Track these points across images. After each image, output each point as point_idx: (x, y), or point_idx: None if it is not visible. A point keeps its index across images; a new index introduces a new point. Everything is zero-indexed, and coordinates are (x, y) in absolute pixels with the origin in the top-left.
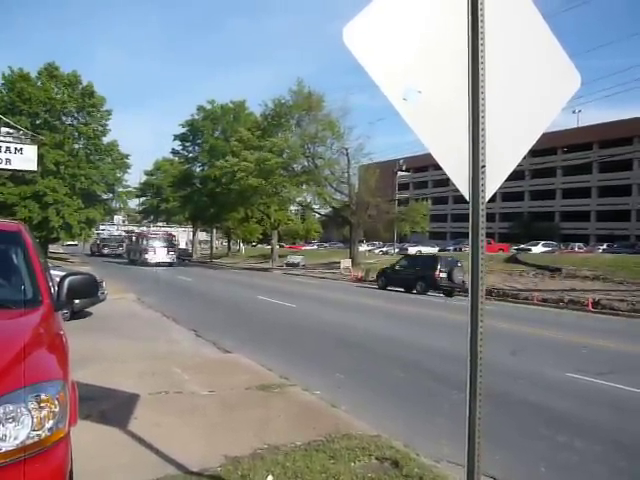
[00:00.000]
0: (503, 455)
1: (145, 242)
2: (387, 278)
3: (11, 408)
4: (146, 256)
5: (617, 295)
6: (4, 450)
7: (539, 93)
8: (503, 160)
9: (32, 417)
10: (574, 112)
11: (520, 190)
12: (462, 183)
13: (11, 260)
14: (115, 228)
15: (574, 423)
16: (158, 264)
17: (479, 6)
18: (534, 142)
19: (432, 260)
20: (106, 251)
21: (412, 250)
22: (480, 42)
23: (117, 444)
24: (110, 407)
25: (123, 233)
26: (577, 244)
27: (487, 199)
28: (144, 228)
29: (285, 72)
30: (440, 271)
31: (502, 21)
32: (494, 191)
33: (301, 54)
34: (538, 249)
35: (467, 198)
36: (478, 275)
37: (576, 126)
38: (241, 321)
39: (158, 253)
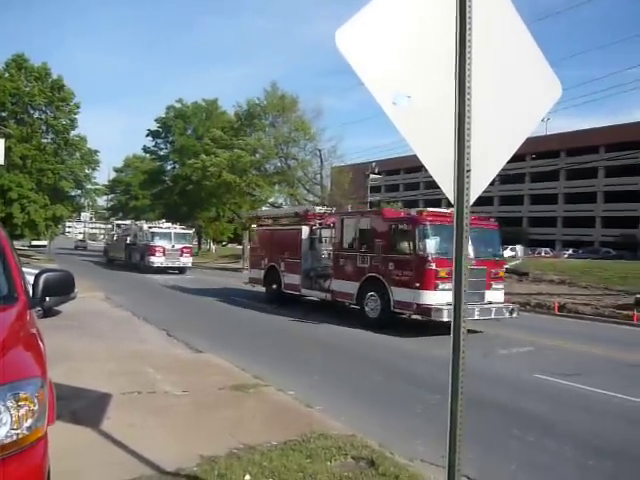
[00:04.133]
0: (475, 454)
1: (149, 239)
2: None
3: None
4: (151, 259)
5: (582, 299)
6: None
7: (523, 101)
8: (488, 165)
9: (11, 415)
10: (543, 120)
11: (490, 195)
12: (448, 187)
13: None
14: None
15: (544, 423)
16: (167, 269)
17: (467, 15)
18: (517, 147)
19: None
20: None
21: None
22: (467, 50)
23: (90, 444)
24: (82, 407)
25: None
26: (544, 249)
27: (471, 203)
28: (139, 222)
29: (258, 73)
30: None
31: (489, 30)
32: (478, 194)
33: (274, 55)
34: (506, 253)
35: (452, 201)
36: (462, 278)
37: (545, 134)
38: (214, 322)
39: (169, 255)
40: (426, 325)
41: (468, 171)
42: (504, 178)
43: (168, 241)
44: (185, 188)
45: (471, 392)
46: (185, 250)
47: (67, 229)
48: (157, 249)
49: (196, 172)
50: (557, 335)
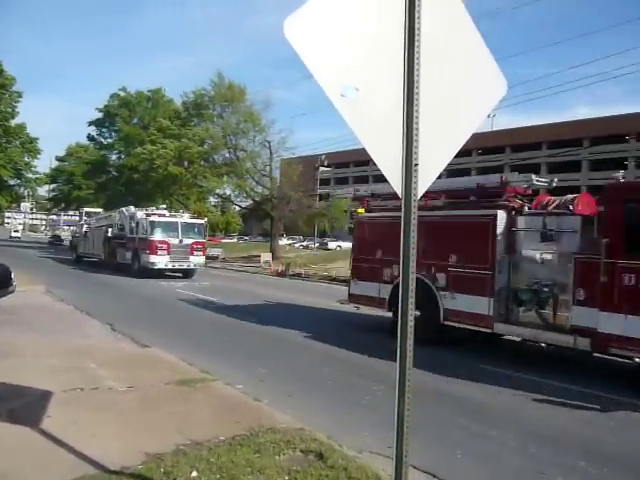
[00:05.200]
0: (422, 444)
1: (147, 231)
2: None
3: None
4: (151, 258)
5: None
6: None
7: (470, 97)
8: (435, 159)
9: None
10: (489, 116)
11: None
12: (396, 180)
13: None
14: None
15: (489, 413)
16: (173, 271)
17: (416, 11)
18: (464, 142)
19: None
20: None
21: (332, 245)
22: (416, 45)
23: (30, 444)
24: (21, 405)
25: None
26: None
27: (419, 196)
28: (130, 208)
29: (207, 62)
30: None
31: (437, 27)
32: (426, 188)
33: (223, 45)
34: None
35: (400, 195)
36: (409, 269)
37: (491, 130)
38: (159, 315)
39: (175, 252)
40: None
41: (416, 165)
42: (451, 172)
43: (174, 234)
44: (131, 178)
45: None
46: (196, 246)
47: (6, 220)
48: (160, 245)
49: (143, 163)
50: None
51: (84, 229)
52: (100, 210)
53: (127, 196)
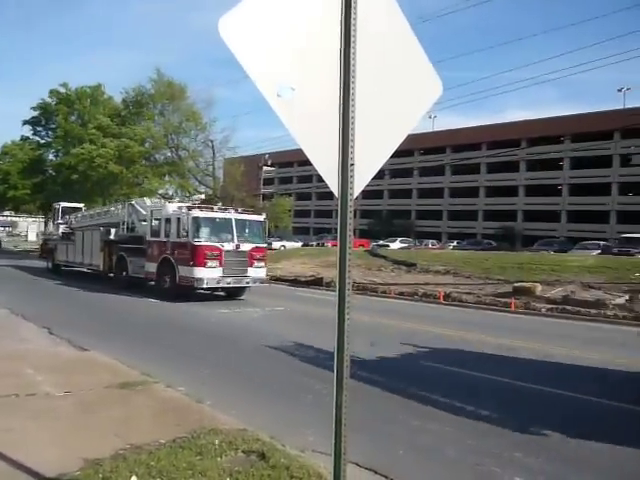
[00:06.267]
0: (364, 441)
1: (190, 232)
2: None
3: None
4: (196, 271)
5: (465, 288)
6: None
7: (406, 98)
8: (371, 159)
9: None
10: (430, 117)
11: (380, 189)
12: (332, 180)
13: None
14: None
15: (428, 408)
16: (226, 291)
17: (352, 12)
18: (400, 143)
19: None
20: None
21: (276, 245)
22: (352, 47)
23: None
24: None
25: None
26: (430, 241)
27: (355, 196)
28: (154, 200)
29: (147, 60)
30: None
31: (373, 29)
32: (362, 188)
33: (164, 42)
34: (396, 245)
35: (336, 194)
36: (345, 269)
37: (432, 130)
38: (98, 317)
39: (230, 263)
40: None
41: (352, 165)
42: (394, 172)
43: (227, 237)
44: (69, 178)
45: (358, 379)
46: (257, 254)
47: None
48: (210, 253)
49: (82, 162)
50: (441, 323)
51: (61, 230)
52: (80, 205)
53: (65, 196)
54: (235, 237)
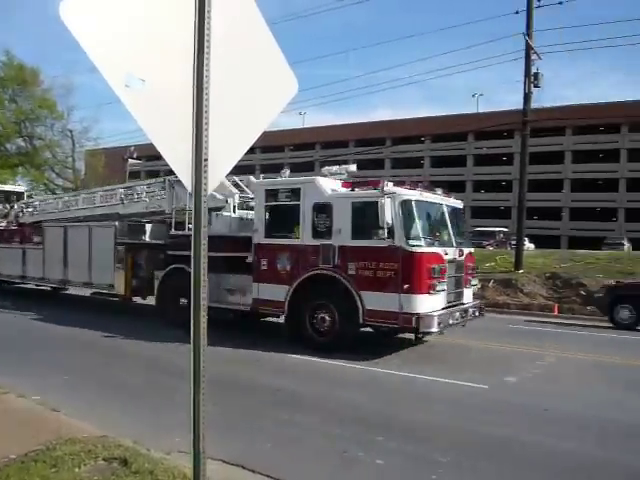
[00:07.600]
0: (231, 437)
1: (399, 227)
2: None
3: None
4: (416, 303)
5: None
6: None
7: (261, 95)
8: (225, 155)
9: None
10: (300, 114)
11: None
12: (185, 175)
13: None
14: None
15: (295, 400)
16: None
17: (206, 4)
18: (255, 139)
19: None
20: None
21: None
22: (206, 42)
23: None
24: None
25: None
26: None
27: (210, 191)
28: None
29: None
30: None
31: (228, 23)
32: (217, 184)
33: (25, 24)
34: None
35: (189, 190)
36: (200, 265)
37: (302, 127)
38: None
39: (451, 282)
40: None
41: (205, 160)
42: (265, 168)
43: (444, 237)
44: None
45: (224, 377)
46: (470, 264)
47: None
48: (435, 267)
49: None
50: None
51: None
52: (20, 188)
53: None
54: (453, 237)
